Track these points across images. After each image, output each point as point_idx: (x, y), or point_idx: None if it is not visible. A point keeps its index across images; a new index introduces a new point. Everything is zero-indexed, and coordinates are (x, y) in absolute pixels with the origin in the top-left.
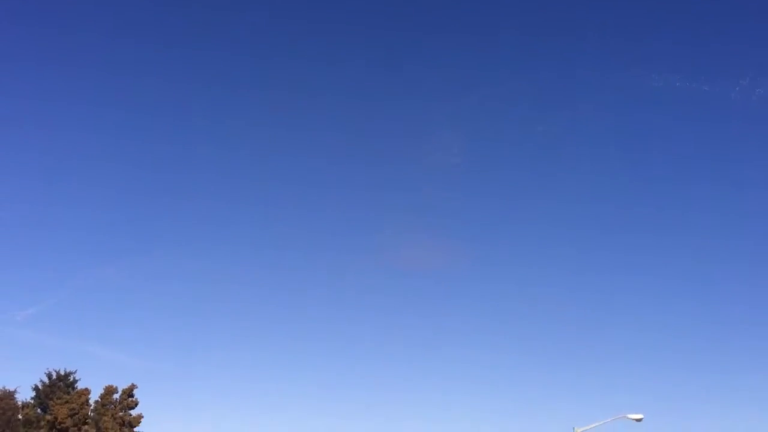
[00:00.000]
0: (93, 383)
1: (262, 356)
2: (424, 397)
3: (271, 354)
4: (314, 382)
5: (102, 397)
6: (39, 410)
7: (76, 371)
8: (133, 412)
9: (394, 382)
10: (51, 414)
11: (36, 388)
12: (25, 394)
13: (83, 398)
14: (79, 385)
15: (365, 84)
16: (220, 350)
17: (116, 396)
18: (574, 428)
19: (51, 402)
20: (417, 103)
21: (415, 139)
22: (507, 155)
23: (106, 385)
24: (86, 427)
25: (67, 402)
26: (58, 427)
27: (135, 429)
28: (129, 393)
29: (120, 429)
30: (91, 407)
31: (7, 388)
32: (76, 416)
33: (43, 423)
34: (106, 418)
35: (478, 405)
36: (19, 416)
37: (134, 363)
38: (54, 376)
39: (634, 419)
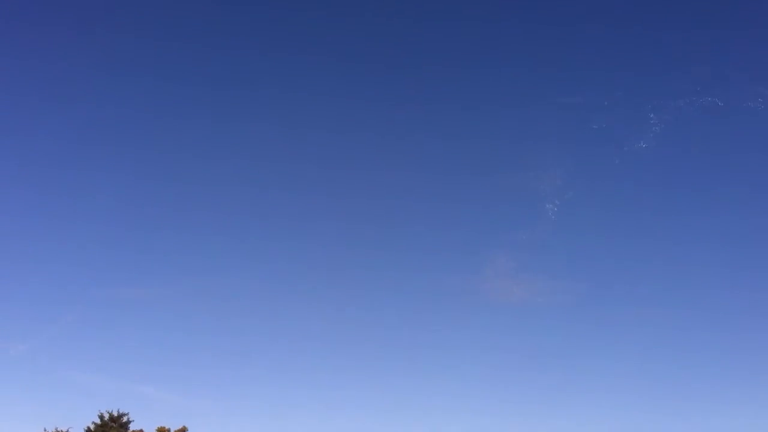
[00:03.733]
0: (145, 424)
1: (347, 395)
2: None
3: (358, 395)
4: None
5: None
6: None
7: (128, 413)
8: None
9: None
10: None
11: (88, 430)
12: None
13: None
14: (132, 427)
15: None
16: (285, 388)
17: None
18: None
19: None
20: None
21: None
22: (618, 193)
23: (159, 426)
24: None
25: None
26: None
27: None
28: None
29: None
30: None
31: (59, 429)
32: None
33: None
34: None
35: None
36: None
37: (185, 402)
38: (106, 417)
39: None
